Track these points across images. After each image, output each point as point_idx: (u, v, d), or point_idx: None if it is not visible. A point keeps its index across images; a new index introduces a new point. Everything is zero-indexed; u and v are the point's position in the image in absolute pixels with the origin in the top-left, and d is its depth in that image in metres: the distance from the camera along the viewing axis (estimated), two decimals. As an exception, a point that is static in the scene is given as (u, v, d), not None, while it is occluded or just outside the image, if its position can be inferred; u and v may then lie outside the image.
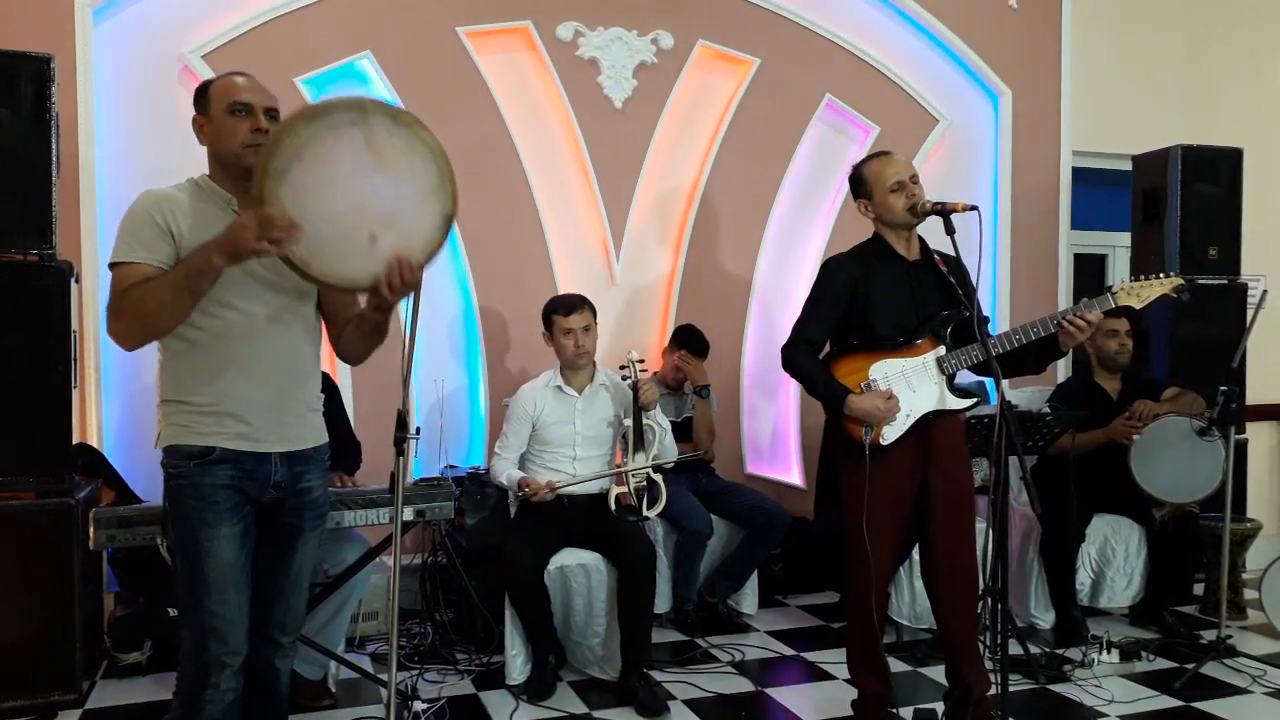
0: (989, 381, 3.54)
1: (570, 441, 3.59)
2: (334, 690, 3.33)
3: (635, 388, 3.54)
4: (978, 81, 5.01)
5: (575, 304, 3.58)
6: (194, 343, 2.10)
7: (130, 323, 2.03)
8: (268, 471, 2.15)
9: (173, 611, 3.42)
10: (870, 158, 2.94)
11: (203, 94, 2.16)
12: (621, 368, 3.62)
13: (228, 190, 2.14)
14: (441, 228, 2.08)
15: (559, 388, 3.62)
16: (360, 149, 1.99)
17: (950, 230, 2.71)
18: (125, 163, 3.80)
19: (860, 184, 2.89)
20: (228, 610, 2.09)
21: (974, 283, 2.76)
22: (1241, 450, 4.79)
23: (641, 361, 3.60)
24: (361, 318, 2.22)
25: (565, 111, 4.37)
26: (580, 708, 3.27)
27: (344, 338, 2.31)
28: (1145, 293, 2.77)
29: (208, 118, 2.15)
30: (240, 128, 2.10)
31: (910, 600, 3.86)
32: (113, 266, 2.06)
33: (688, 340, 4.26)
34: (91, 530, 2.79)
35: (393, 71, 4.12)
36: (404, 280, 2.04)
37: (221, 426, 2.10)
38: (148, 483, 3.68)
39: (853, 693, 3.03)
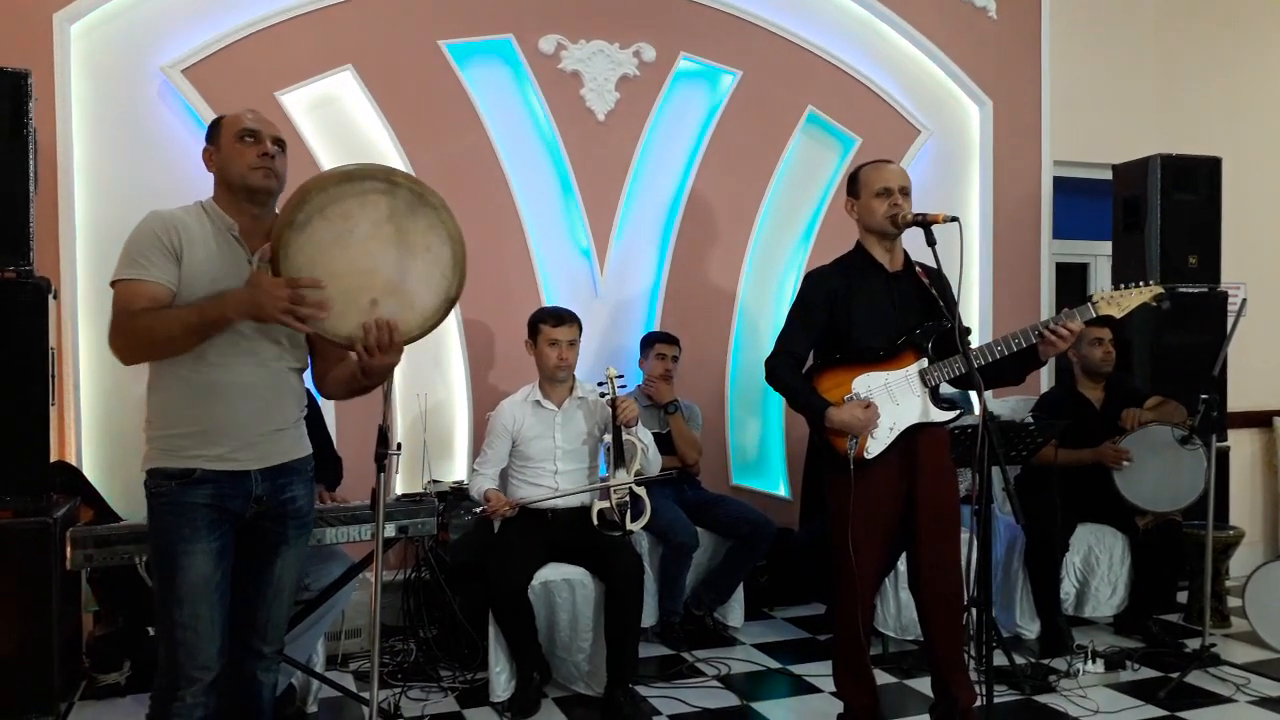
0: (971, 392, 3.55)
1: (550, 456, 3.59)
2: (315, 709, 3.30)
3: (614, 405, 3.54)
4: (959, 92, 5.03)
5: (565, 317, 3.63)
6: (177, 367, 2.14)
7: (135, 345, 2.10)
8: (248, 487, 2.18)
9: (152, 631, 3.39)
10: (873, 161, 3.00)
11: (215, 126, 2.27)
12: (600, 384, 3.61)
13: (231, 214, 2.21)
14: (442, 309, 2.15)
15: (537, 402, 3.63)
16: (382, 219, 2.06)
17: (931, 241, 2.73)
18: (103, 178, 3.77)
19: (854, 183, 2.96)
20: (199, 624, 2.10)
21: (956, 294, 2.77)
22: (1223, 458, 4.81)
23: (620, 377, 3.60)
24: (352, 375, 2.24)
25: (548, 124, 4.37)
26: (565, 724, 3.26)
27: (328, 380, 2.35)
28: (1125, 302, 2.79)
29: (216, 147, 2.24)
30: (249, 152, 2.20)
31: (896, 612, 3.86)
32: (118, 283, 2.11)
33: (653, 339, 4.28)
34: (69, 550, 2.75)
35: (375, 85, 4.10)
36: (379, 344, 2.06)
37: (202, 449, 2.14)
38: (126, 501, 3.64)
39: (839, 706, 3.02)
